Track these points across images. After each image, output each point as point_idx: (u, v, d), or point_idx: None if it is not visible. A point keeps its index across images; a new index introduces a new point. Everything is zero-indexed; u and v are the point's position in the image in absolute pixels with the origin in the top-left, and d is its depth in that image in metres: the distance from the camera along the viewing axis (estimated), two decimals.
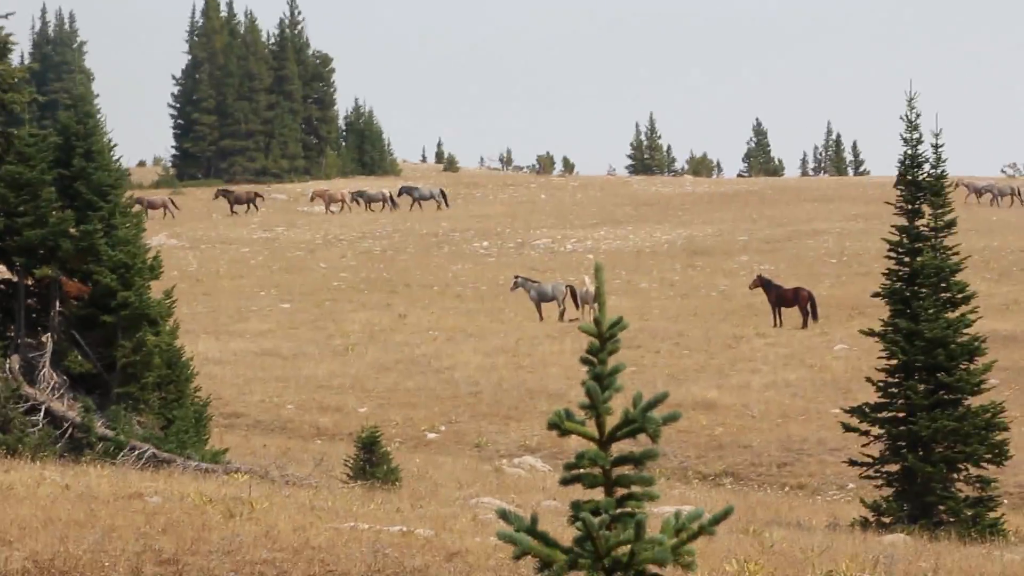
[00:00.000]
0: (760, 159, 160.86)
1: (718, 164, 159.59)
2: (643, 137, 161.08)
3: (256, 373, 46.24)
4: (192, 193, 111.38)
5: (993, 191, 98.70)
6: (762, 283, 56.94)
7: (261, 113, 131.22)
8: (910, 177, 26.96)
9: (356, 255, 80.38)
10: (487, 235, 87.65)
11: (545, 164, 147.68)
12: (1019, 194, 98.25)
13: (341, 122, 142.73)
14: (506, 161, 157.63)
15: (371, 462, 27.62)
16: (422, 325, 56.56)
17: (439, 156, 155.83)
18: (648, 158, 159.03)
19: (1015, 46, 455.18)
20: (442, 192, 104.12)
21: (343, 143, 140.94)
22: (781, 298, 55.73)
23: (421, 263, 76.39)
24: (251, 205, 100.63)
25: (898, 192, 27.12)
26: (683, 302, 62.09)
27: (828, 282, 64.05)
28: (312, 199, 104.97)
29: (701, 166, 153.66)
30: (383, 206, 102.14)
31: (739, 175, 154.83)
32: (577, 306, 57.45)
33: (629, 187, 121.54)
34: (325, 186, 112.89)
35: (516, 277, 60.97)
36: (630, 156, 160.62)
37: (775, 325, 55.03)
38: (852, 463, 27.53)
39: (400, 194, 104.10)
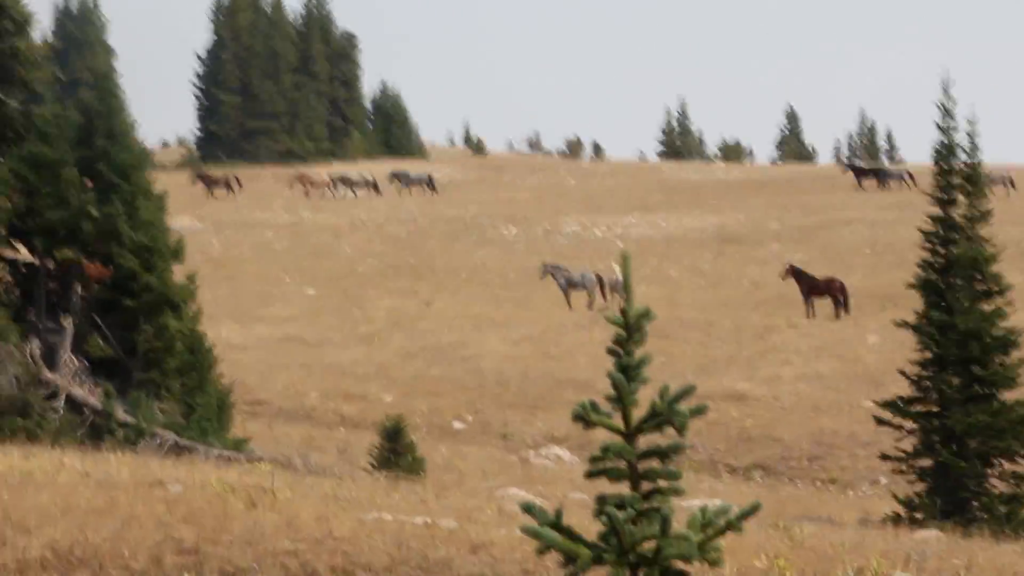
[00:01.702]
0: (792, 146, 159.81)
1: (750, 150, 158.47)
2: (674, 122, 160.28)
3: (279, 360, 45.97)
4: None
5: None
6: (794, 273, 56.50)
7: (287, 93, 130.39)
8: (945, 166, 26.57)
9: (382, 240, 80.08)
10: (514, 220, 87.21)
11: (574, 148, 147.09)
12: (1011, 184, 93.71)
13: (367, 103, 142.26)
14: (535, 144, 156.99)
15: (395, 452, 27.30)
16: (448, 312, 56.27)
17: (467, 139, 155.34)
18: (679, 143, 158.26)
19: None
20: (430, 177, 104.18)
21: (370, 125, 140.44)
22: (813, 288, 55.28)
23: (447, 248, 76.04)
24: (229, 188, 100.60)
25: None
26: (713, 291, 61.65)
27: (861, 272, 63.47)
28: (291, 186, 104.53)
29: (732, 152, 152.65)
30: (368, 191, 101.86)
31: (771, 162, 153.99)
32: (605, 295, 57.06)
33: (659, 173, 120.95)
34: (341, 168, 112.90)
35: (544, 264, 60.61)
36: (661, 141, 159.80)
37: (807, 316, 54.59)
38: (884, 457, 27.13)
39: (392, 180, 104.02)
